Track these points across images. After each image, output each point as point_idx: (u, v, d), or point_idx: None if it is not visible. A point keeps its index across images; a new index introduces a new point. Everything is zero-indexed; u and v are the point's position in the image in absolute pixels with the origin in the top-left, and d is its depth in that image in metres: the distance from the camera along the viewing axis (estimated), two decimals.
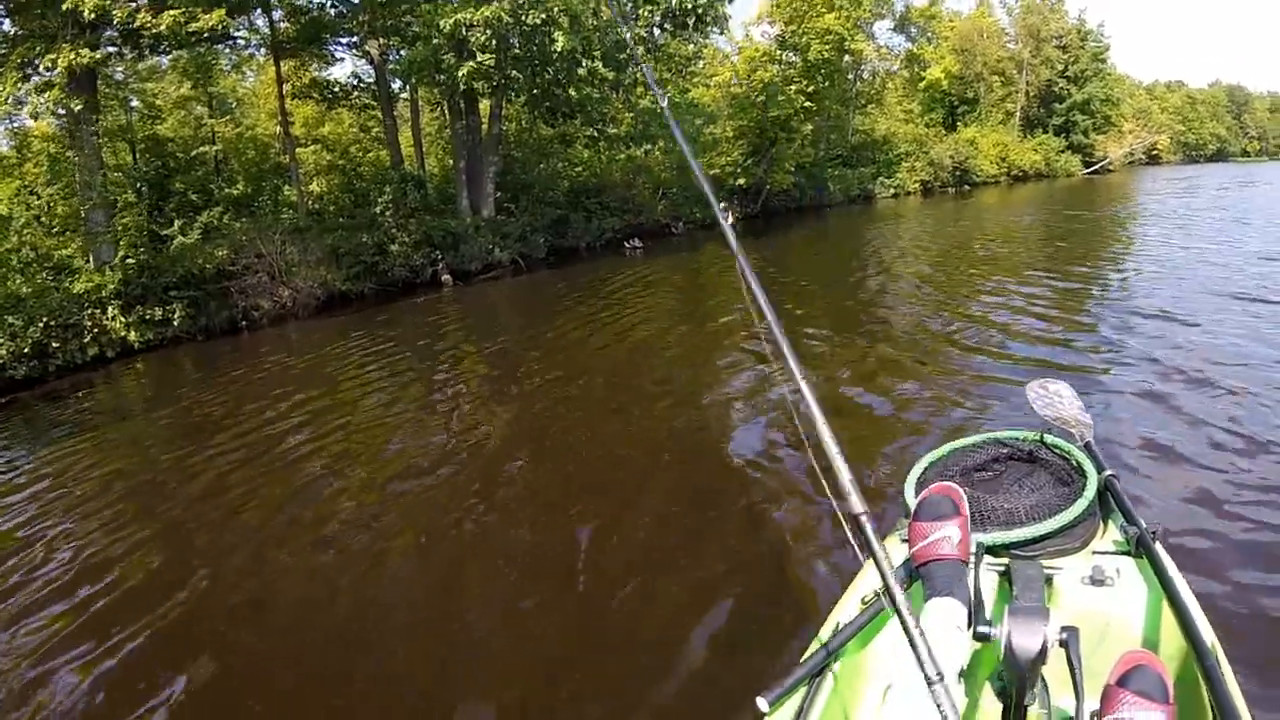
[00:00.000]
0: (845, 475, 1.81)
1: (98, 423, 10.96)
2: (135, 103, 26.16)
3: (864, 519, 1.80)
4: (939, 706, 1.62)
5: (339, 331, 15.55)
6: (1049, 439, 3.01)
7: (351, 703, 3.98)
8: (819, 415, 1.92)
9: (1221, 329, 8.85)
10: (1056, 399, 3.51)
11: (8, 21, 17.01)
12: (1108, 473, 2.74)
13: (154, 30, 16.16)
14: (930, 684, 1.64)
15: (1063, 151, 58.37)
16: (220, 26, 16.83)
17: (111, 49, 18.27)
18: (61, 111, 17.73)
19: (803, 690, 2.14)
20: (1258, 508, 4.69)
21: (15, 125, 19.93)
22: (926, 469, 2.97)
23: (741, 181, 33.42)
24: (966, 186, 47.74)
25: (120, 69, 24.56)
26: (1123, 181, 48.14)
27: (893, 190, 43.57)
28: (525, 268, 22.51)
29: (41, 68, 16.03)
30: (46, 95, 16.43)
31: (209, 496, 7.15)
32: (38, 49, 16.02)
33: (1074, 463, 2.84)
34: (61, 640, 4.83)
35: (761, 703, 2.06)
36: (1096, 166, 60.11)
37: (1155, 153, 73.93)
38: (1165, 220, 22.17)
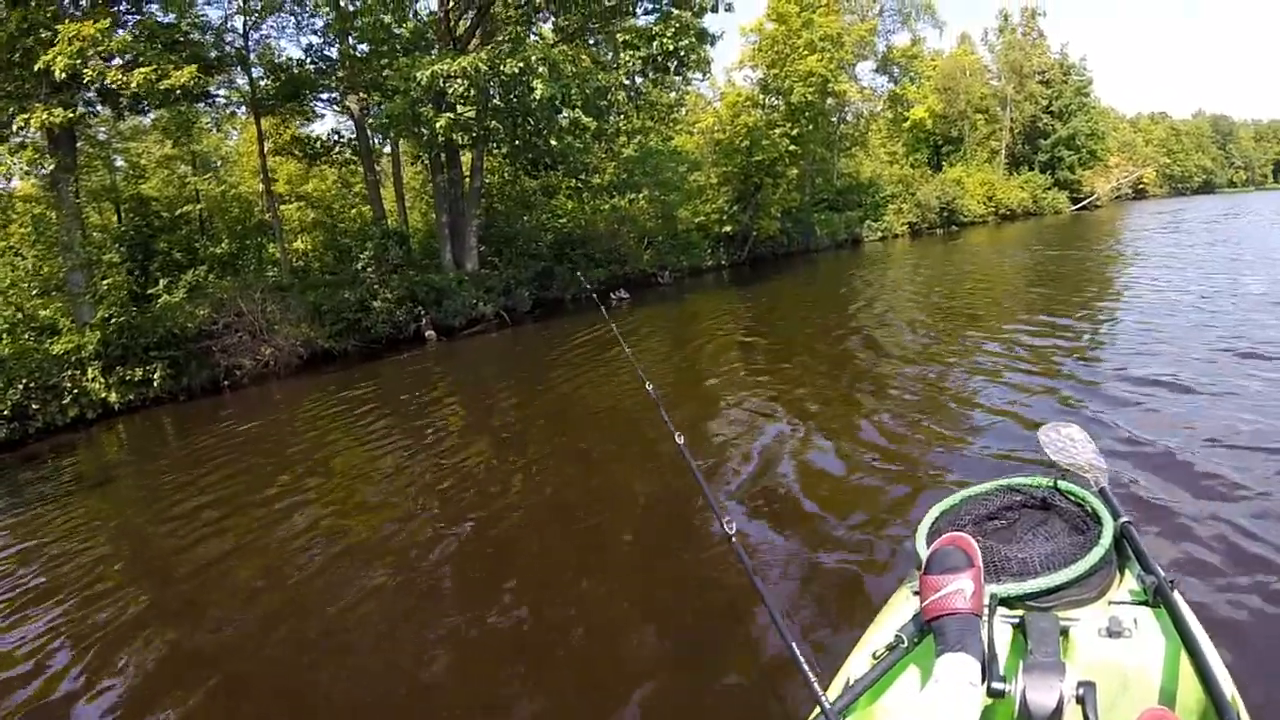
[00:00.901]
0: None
1: (76, 486, 10.82)
2: (120, 162, 26.22)
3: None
4: None
5: (322, 390, 15.47)
6: (1063, 485, 2.90)
7: None
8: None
9: (1233, 375, 8.53)
10: (1069, 443, 3.39)
11: None
12: (1124, 519, 2.63)
13: (127, 89, 16.15)
14: None
15: (1049, 188, 58.59)
16: (193, 84, 16.81)
17: (88, 109, 18.32)
18: (41, 172, 17.76)
19: None
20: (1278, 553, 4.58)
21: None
22: (938, 519, 2.88)
23: (728, 229, 33.27)
24: (954, 227, 47.62)
25: (103, 129, 24.65)
26: (1111, 218, 48.16)
27: (880, 233, 43.42)
28: (510, 321, 22.24)
29: (15, 128, 15.89)
30: (20, 155, 16.32)
31: (188, 559, 7.15)
32: (10, 109, 15.96)
33: (1089, 509, 2.74)
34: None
35: None
36: (1084, 203, 60.31)
37: (1141, 187, 74.42)
38: (1159, 260, 21.63)
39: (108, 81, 15.99)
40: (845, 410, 9.19)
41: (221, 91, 22.74)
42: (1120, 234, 34.14)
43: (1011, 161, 58.74)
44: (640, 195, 30.21)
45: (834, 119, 40.69)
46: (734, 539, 2.20)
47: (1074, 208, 58.97)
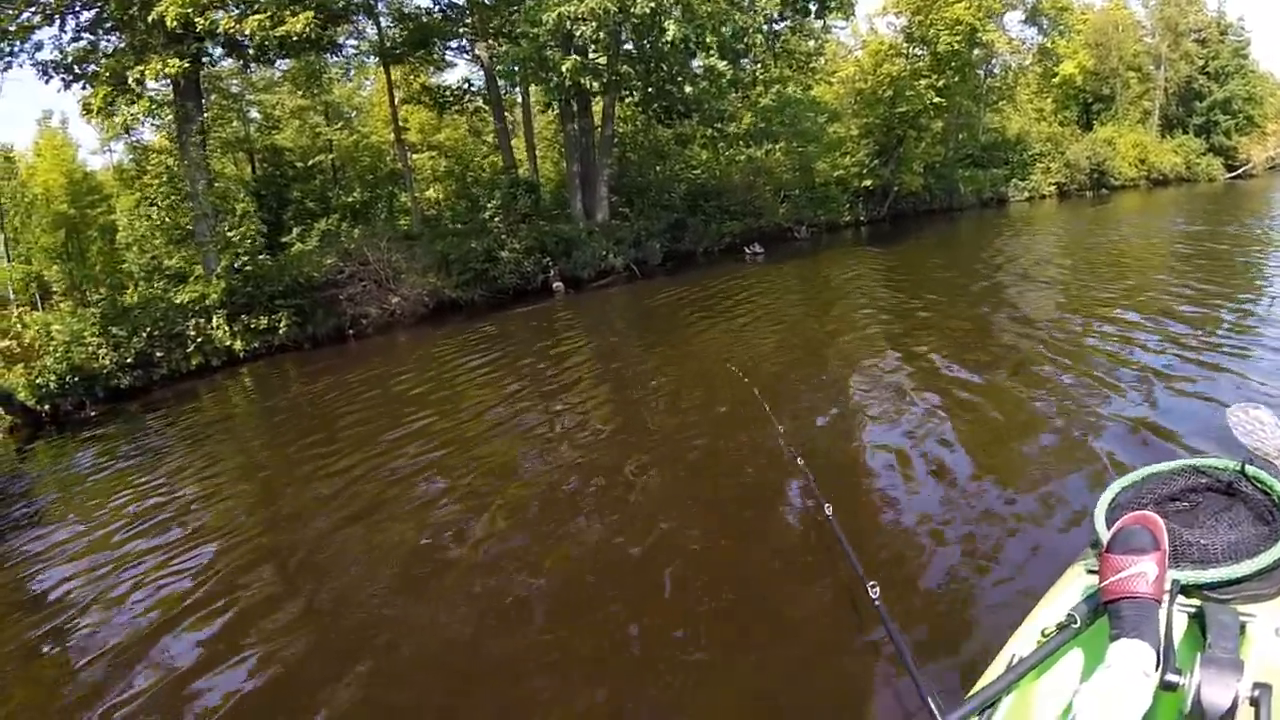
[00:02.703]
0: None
1: (195, 433, 10.77)
2: (254, 114, 26.44)
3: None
4: None
5: (447, 339, 15.21)
6: (1250, 470, 2.69)
7: None
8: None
9: None
10: (1259, 425, 3.09)
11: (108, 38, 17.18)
12: None
13: (244, 36, 16.25)
14: None
15: (1204, 154, 54.44)
16: (313, 33, 16.57)
17: (206, 58, 18.44)
18: (157, 123, 17.83)
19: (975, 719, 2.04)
20: None
21: (135, 139, 20.10)
22: (1117, 495, 2.76)
23: (868, 183, 31.96)
24: (1104, 190, 44.82)
25: (235, 81, 24.82)
26: (1267, 188, 44.84)
27: (1027, 193, 41.33)
28: (640, 274, 21.47)
29: (131, 80, 15.91)
30: (137, 106, 16.36)
31: (318, 508, 6.98)
32: (129, 61, 15.98)
33: (1276, 499, 2.54)
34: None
35: None
36: (1239, 171, 56.63)
37: None
38: None
39: (221, 29, 15.96)
40: (992, 381, 8.54)
41: (350, 41, 22.66)
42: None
43: (1164, 124, 54.98)
44: (777, 146, 29.02)
45: (980, 71, 38.66)
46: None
47: (1229, 175, 55.16)
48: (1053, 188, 43.02)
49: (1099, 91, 53.17)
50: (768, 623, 4.39)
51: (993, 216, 34.29)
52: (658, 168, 27.15)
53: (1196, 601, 2.21)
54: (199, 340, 14.95)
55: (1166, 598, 2.07)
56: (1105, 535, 2.26)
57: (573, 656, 4.32)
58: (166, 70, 15.52)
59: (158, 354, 14.39)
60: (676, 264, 23.24)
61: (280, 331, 15.89)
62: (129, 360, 13.90)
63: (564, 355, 12.83)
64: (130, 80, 16.01)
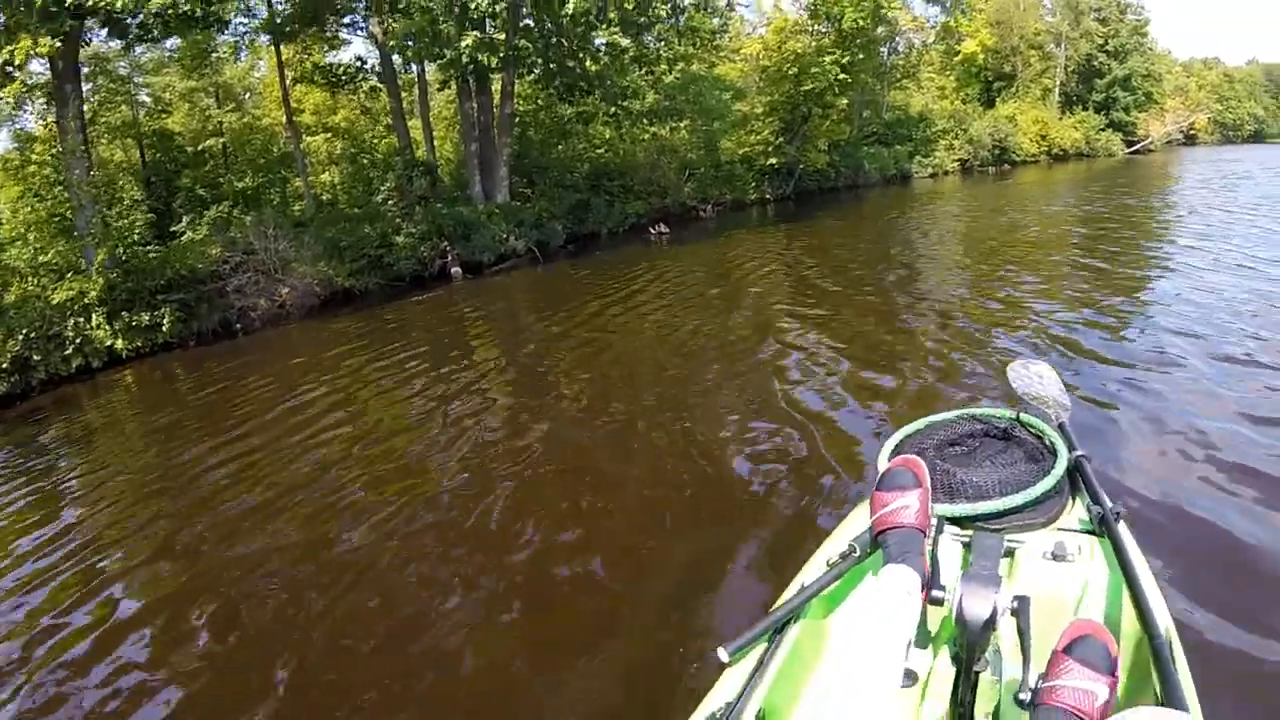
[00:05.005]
0: None
1: (75, 442, 10.14)
2: (144, 97, 25.30)
3: None
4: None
5: (340, 331, 14.72)
6: (1024, 417, 3.04)
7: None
8: None
9: (1240, 341, 8.18)
10: (1037, 379, 3.59)
11: None
12: (1079, 453, 2.79)
13: (120, 13, 14.98)
14: None
15: (1103, 129, 56.31)
16: (196, 9, 15.53)
17: (88, 40, 17.36)
18: (28, 109, 16.99)
19: (764, 644, 2.21)
20: (1224, 498, 4.83)
21: (19, 127, 19.12)
22: (902, 441, 3.04)
23: (773, 161, 31.95)
24: (1006, 165, 46.08)
25: (123, 63, 23.68)
26: (1165, 162, 46.39)
27: (930, 169, 42.10)
28: (542, 258, 21.00)
29: (0, 60, 14.82)
30: (6, 90, 15.23)
31: (202, 511, 6.76)
32: None
33: (1047, 442, 2.88)
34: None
35: (722, 653, 2.15)
36: (1138, 146, 58.11)
37: (1192, 132, 71.77)
38: (1217, 224, 17.61)
39: (96, 3, 14.76)
40: (869, 354, 9.11)
41: (240, 19, 21.67)
42: (1180, 181, 32.13)
43: (1065, 101, 56.36)
44: (682, 125, 28.83)
45: (884, 49, 39.03)
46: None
47: (1128, 150, 56.73)
48: (956, 164, 44.00)
49: (1000, 69, 54.37)
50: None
51: (896, 192, 34.94)
52: (560, 147, 26.68)
53: (970, 533, 2.47)
54: (78, 341, 13.91)
55: (932, 528, 2.27)
56: (878, 478, 2.43)
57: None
58: (39, 50, 14.25)
59: (35, 357, 13.32)
60: (580, 246, 22.89)
61: (164, 328, 14.90)
62: (4, 365, 12.84)
63: (463, 344, 12.58)
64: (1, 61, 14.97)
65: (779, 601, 2.34)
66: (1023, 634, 1.85)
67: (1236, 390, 6.60)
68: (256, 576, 5.47)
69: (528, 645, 4.30)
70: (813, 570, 2.54)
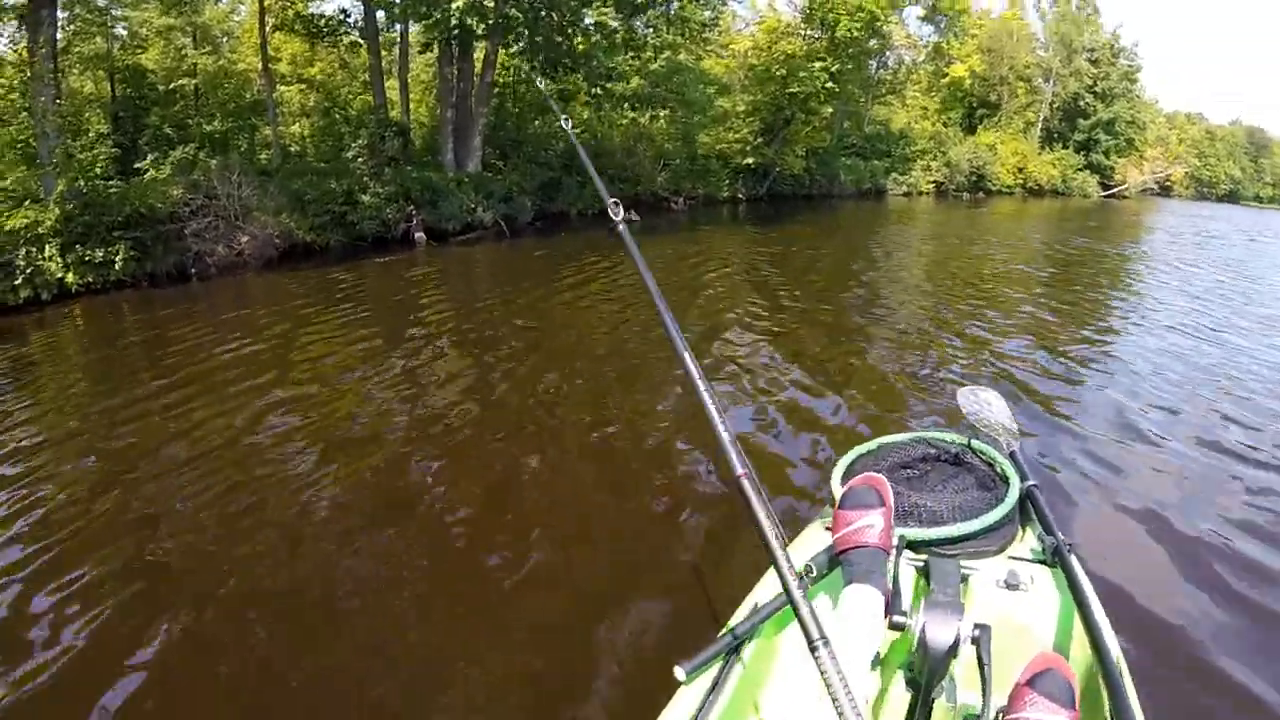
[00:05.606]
0: (725, 437, 1.87)
1: (24, 373, 9.75)
2: (120, 30, 24.71)
3: (744, 480, 1.81)
4: (821, 671, 1.59)
5: (298, 284, 14.46)
6: (975, 444, 3.07)
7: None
8: (701, 386, 2.01)
9: (1194, 411, 8.16)
10: (986, 406, 3.61)
11: None
12: (1030, 483, 2.79)
13: None
14: (812, 647, 1.61)
15: (1081, 169, 56.59)
16: None
17: None
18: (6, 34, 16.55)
19: (719, 663, 2.18)
20: (1171, 534, 5.08)
21: None
22: (854, 461, 3.01)
23: (749, 161, 31.93)
24: (981, 194, 46.31)
25: None
26: (1139, 210, 46.74)
27: (905, 188, 42.25)
28: (509, 232, 20.81)
29: None
30: None
31: (141, 455, 6.54)
32: None
33: (998, 470, 2.91)
34: None
35: (679, 672, 2.09)
36: (1114, 190, 58.58)
37: (1168, 184, 72.54)
38: (1200, 282, 17.61)
39: None
40: (817, 373, 9.01)
41: None
42: (1153, 232, 32.41)
43: (1046, 136, 56.65)
44: (662, 113, 28.68)
45: (874, 61, 39.07)
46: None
47: (1103, 194, 57.15)
48: (931, 185, 44.05)
49: (985, 97, 54.48)
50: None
51: (870, 207, 34.93)
52: (536, 122, 26.44)
53: (924, 557, 2.48)
54: (29, 271, 13.42)
55: (894, 550, 2.25)
56: (840, 495, 2.40)
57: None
58: None
59: None
60: (548, 224, 22.71)
61: (117, 266, 14.44)
62: None
63: (415, 310, 12.37)
64: None
65: (732, 620, 2.32)
66: (983, 664, 1.88)
67: (1180, 443, 6.80)
68: (175, 515, 5.36)
69: (462, 644, 4.07)
70: (765, 589, 2.50)
